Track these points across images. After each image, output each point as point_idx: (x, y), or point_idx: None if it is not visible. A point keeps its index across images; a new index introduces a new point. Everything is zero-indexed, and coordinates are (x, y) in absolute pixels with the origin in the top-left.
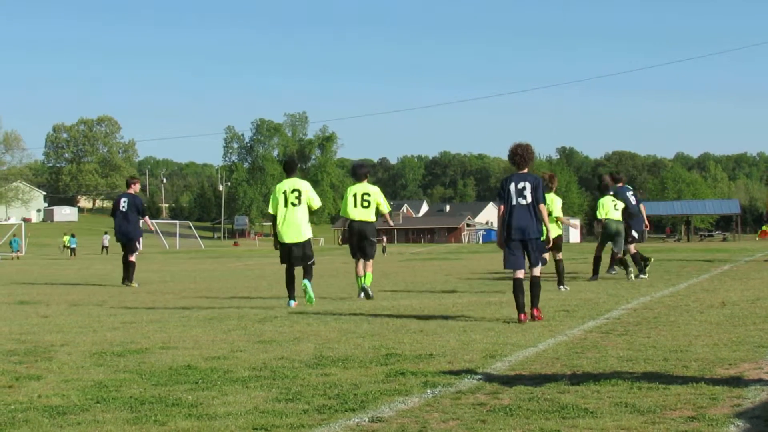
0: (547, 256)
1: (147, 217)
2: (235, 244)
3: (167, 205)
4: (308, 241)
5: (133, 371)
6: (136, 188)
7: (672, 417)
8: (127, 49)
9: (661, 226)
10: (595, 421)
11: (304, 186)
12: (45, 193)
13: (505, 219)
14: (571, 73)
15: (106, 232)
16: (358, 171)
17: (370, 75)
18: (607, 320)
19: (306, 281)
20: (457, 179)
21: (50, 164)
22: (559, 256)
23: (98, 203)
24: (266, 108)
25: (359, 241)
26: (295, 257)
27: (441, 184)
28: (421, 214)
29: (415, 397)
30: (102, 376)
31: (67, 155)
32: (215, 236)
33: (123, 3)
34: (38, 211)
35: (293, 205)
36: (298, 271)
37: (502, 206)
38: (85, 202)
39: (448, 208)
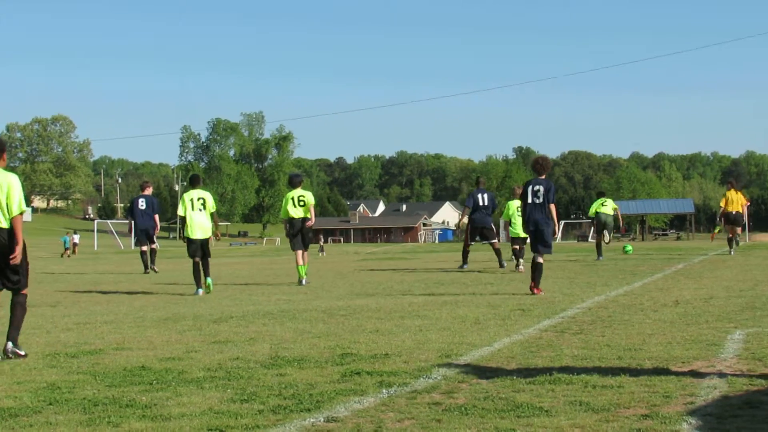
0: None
1: (157, 216)
2: None
3: (122, 204)
4: (208, 240)
5: (86, 372)
6: (149, 190)
7: (626, 415)
8: (81, 48)
9: (615, 225)
10: (549, 420)
11: (208, 195)
12: None
13: (523, 213)
14: (527, 72)
15: (75, 231)
16: (295, 180)
17: (327, 74)
18: (563, 319)
19: (209, 279)
20: (414, 179)
21: None
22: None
23: (53, 203)
24: (223, 107)
25: (301, 234)
26: (200, 250)
27: (398, 183)
28: (377, 213)
29: (370, 396)
30: (55, 378)
31: (20, 155)
32: (171, 236)
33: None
34: None
35: (199, 210)
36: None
37: (522, 204)
38: (39, 202)
39: (404, 207)
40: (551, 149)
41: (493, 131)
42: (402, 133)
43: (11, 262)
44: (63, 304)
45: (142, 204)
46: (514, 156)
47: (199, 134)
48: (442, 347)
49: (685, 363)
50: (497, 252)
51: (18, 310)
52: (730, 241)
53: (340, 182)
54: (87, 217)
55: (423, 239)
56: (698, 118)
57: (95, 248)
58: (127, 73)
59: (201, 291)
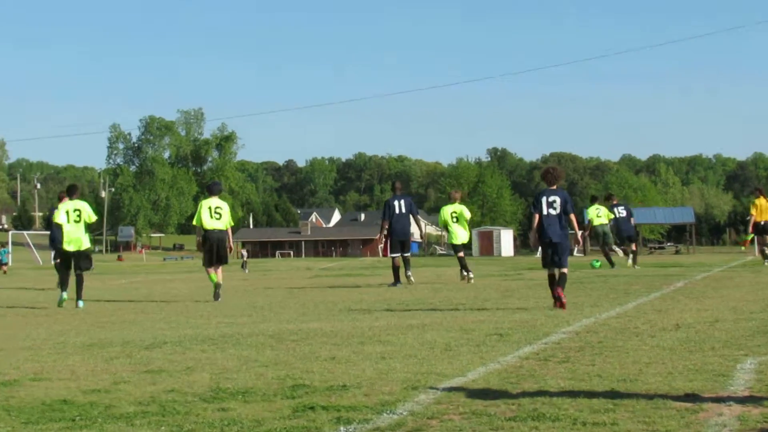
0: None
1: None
2: (119, 258)
3: (41, 213)
4: (87, 251)
5: None
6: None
7: None
8: None
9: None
10: None
11: (85, 206)
12: None
13: (539, 226)
14: (504, 63)
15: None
16: (214, 188)
17: (275, 67)
18: (546, 345)
19: (81, 302)
20: (374, 184)
21: None
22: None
23: None
24: (157, 104)
25: (218, 249)
26: (75, 263)
27: (355, 189)
28: (332, 223)
29: None
30: None
31: None
32: (96, 249)
33: None
34: None
35: (75, 222)
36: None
37: (537, 215)
38: None
39: (363, 216)
40: (531, 151)
41: (465, 131)
42: (360, 133)
43: None
44: None
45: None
46: (488, 158)
47: (129, 134)
48: (408, 378)
49: (689, 396)
50: (407, 261)
51: None
52: (763, 252)
53: (289, 188)
54: (1, 228)
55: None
56: (699, 117)
57: (9, 263)
58: (47, 66)
59: (65, 294)
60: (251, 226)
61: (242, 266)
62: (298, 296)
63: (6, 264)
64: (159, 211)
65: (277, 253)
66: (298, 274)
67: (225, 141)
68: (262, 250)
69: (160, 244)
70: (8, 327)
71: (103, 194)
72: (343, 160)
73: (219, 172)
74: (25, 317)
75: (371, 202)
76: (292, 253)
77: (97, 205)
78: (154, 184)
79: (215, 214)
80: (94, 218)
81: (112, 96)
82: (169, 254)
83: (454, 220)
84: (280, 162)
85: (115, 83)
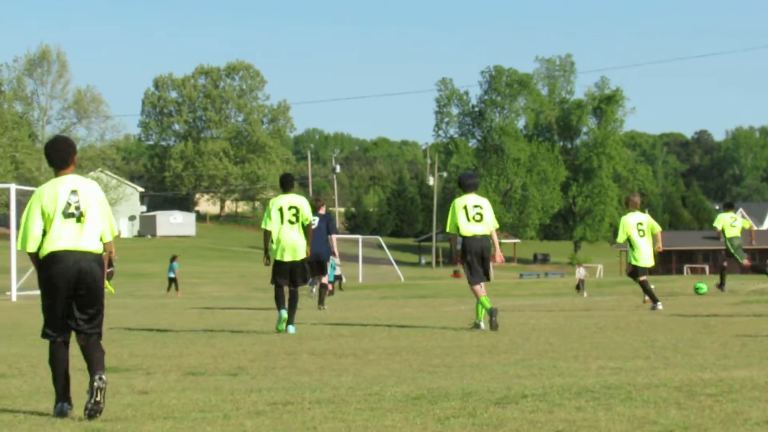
0: None
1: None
2: (455, 274)
3: (342, 209)
4: (303, 261)
5: None
6: (323, 210)
7: None
8: None
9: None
10: None
11: (304, 203)
12: (142, 190)
13: None
14: None
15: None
16: (468, 182)
17: None
18: None
19: (291, 327)
20: None
21: (150, 142)
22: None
23: (230, 206)
24: (506, 51)
25: (481, 260)
26: (290, 277)
27: None
28: (767, 224)
29: None
30: None
31: (177, 126)
32: (423, 261)
33: None
34: (131, 218)
35: (291, 222)
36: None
37: None
38: (206, 205)
39: None
40: None
41: None
42: None
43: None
44: (247, 370)
45: (314, 222)
46: None
47: (467, 93)
48: None
49: None
50: None
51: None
52: None
53: (702, 173)
54: None
55: None
56: None
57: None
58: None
59: (285, 313)
60: None
61: (577, 287)
62: (716, 331)
63: (340, 279)
64: (512, 206)
65: (686, 267)
66: (715, 299)
67: (606, 103)
68: (662, 262)
69: (513, 255)
70: (300, 371)
71: (431, 181)
72: None
73: (597, 148)
74: (323, 357)
75: None
76: (707, 267)
77: (422, 197)
78: (504, 166)
79: (476, 215)
80: (309, 219)
81: (440, 35)
82: (528, 269)
83: (641, 234)
84: (688, 134)
85: (442, 25)
